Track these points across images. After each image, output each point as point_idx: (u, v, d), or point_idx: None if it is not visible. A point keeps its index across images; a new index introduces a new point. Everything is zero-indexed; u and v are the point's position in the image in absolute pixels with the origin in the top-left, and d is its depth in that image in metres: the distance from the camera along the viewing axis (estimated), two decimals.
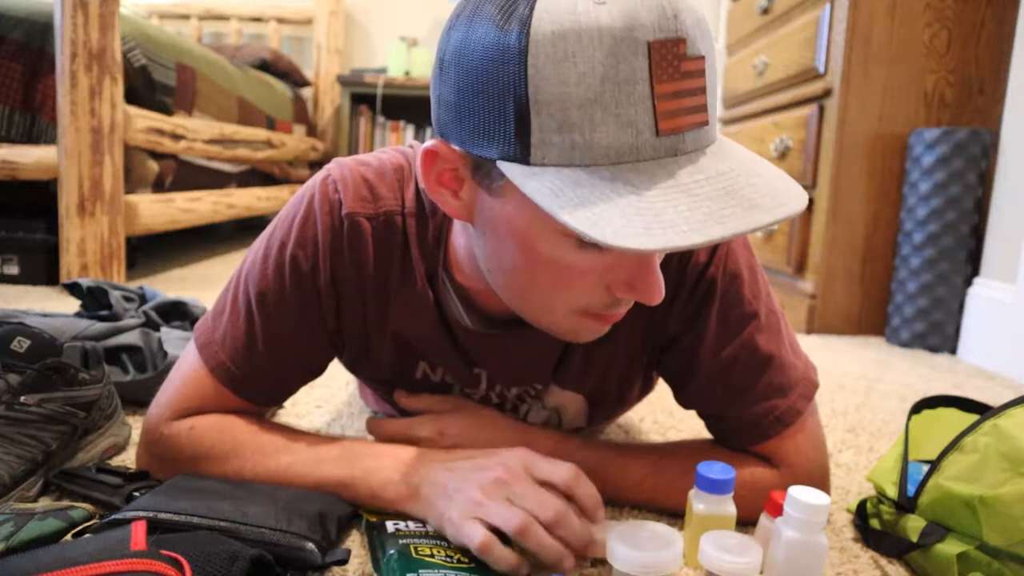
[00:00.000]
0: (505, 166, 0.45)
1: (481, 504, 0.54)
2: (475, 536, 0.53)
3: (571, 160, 0.43)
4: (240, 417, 0.67)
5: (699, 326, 0.64)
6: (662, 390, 0.77)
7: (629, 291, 0.51)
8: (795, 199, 0.45)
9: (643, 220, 0.41)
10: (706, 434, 0.72)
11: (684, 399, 0.70)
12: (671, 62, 0.42)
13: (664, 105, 0.42)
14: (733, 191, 0.44)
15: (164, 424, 0.66)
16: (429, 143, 0.51)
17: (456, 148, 0.49)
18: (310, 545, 0.53)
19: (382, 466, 0.61)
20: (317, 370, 0.70)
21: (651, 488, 0.67)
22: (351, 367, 0.73)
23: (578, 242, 0.48)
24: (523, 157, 0.44)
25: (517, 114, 0.44)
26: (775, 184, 0.46)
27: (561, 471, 0.57)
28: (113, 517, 0.53)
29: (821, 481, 0.68)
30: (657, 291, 0.50)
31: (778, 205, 0.44)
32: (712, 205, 0.42)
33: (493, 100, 0.44)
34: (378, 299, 0.65)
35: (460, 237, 0.60)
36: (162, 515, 0.53)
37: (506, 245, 0.51)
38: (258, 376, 0.66)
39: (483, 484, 0.55)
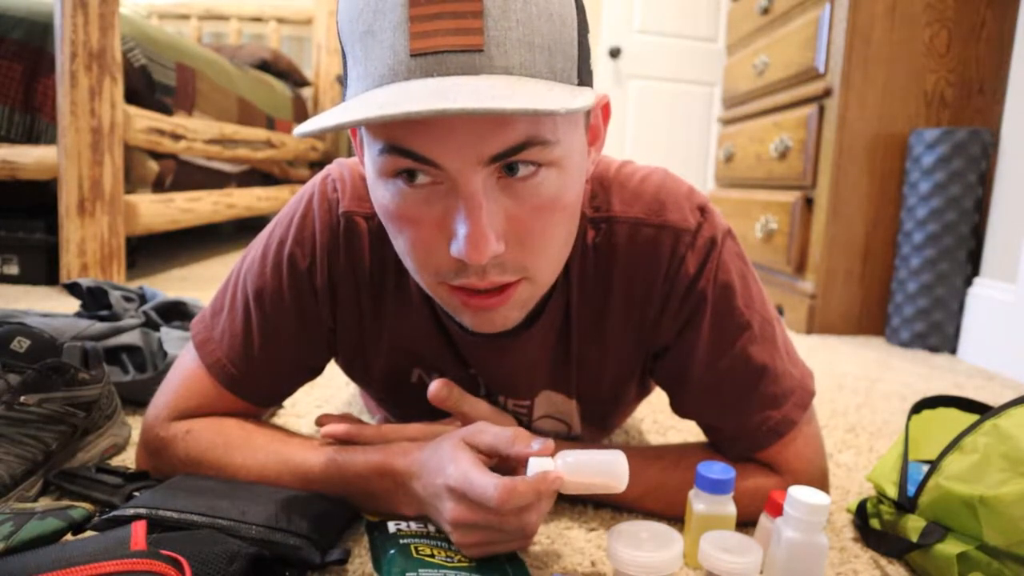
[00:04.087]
0: None
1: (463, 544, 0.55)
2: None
3: (356, 91, 0.45)
4: (236, 421, 0.66)
5: (691, 337, 0.63)
6: (662, 391, 0.77)
7: (455, 243, 0.47)
8: (531, 100, 0.40)
9: (340, 110, 0.42)
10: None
11: (679, 408, 0.70)
12: None
13: (418, 26, 0.42)
14: (481, 88, 0.41)
15: (161, 425, 0.66)
16: None
17: None
18: (309, 545, 0.53)
19: (371, 489, 0.61)
20: (315, 370, 0.70)
21: (661, 498, 0.67)
22: (347, 370, 0.73)
23: (401, 181, 0.47)
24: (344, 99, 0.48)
25: (343, 59, 0.48)
26: (524, 89, 0.42)
27: (486, 438, 0.55)
28: (112, 514, 0.53)
29: (821, 485, 0.67)
30: (470, 246, 0.45)
31: (496, 99, 0.40)
32: (451, 92, 0.40)
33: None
34: (374, 300, 0.65)
35: None
36: (161, 513, 0.53)
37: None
38: (255, 375, 0.66)
39: (450, 528, 0.55)
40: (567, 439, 0.74)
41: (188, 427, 0.65)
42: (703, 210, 0.62)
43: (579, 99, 0.43)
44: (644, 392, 0.77)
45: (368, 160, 0.50)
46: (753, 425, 0.65)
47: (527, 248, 0.49)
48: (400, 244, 0.51)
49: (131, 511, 0.53)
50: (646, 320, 0.64)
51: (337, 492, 0.61)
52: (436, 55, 0.42)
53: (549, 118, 0.45)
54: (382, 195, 0.49)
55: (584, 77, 0.48)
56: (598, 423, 0.76)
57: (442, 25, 0.42)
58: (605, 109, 0.56)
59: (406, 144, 0.45)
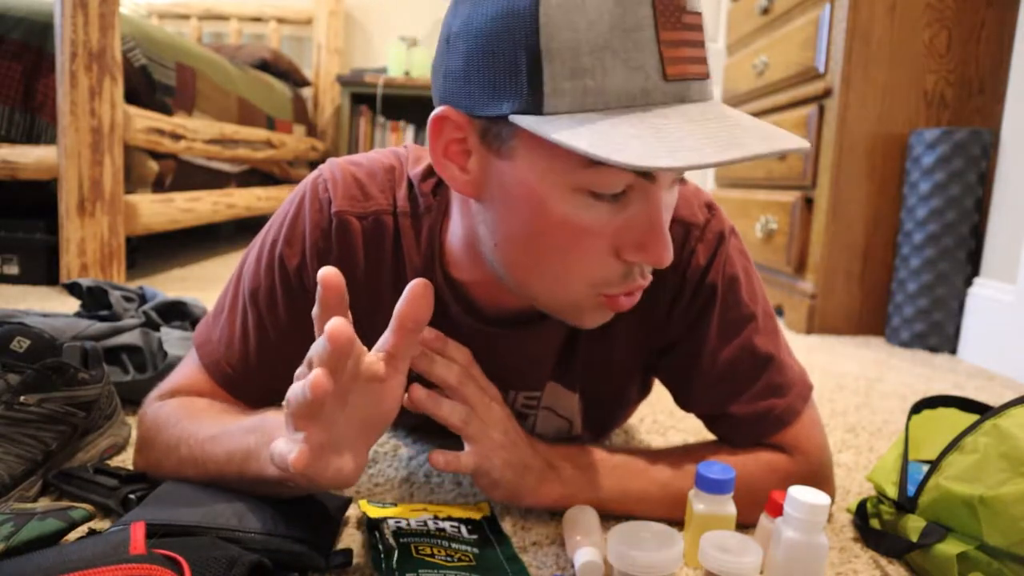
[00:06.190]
0: (519, 119, 0.46)
1: None
2: None
3: (583, 106, 0.44)
4: (207, 400, 0.65)
5: (701, 330, 0.65)
6: (662, 390, 0.77)
7: (639, 252, 0.50)
8: (800, 140, 0.46)
9: (664, 146, 0.42)
10: (707, 433, 0.72)
11: (685, 402, 0.70)
12: (673, 12, 0.44)
13: (669, 52, 0.44)
14: (743, 126, 0.45)
15: (148, 403, 0.66)
16: (437, 110, 0.51)
17: (463, 115, 0.49)
18: (311, 550, 0.53)
19: (246, 443, 0.56)
20: None
21: (677, 491, 0.66)
22: None
23: (591, 196, 0.48)
24: (536, 108, 0.45)
25: (529, 65, 0.45)
26: (776, 129, 0.47)
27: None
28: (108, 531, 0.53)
29: (827, 464, 0.69)
30: (666, 251, 0.49)
31: (789, 138, 0.45)
32: (726, 135, 0.44)
33: (505, 56, 0.45)
34: (369, 301, 0.64)
35: (456, 232, 0.60)
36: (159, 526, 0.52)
37: (518, 211, 0.50)
38: (251, 375, 0.66)
39: None
40: (567, 439, 0.74)
41: (165, 401, 0.65)
42: (710, 207, 0.65)
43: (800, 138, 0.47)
44: (644, 393, 0.78)
45: (538, 173, 0.48)
46: (758, 413, 0.66)
47: None
48: (558, 258, 0.51)
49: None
50: (655, 315, 0.65)
51: (232, 450, 0.56)
52: (684, 81, 0.45)
53: None
54: (560, 209, 0.49)
55: None
56: (598, 424, 0.76)
57: (686, 53, 0.45)
58: None
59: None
